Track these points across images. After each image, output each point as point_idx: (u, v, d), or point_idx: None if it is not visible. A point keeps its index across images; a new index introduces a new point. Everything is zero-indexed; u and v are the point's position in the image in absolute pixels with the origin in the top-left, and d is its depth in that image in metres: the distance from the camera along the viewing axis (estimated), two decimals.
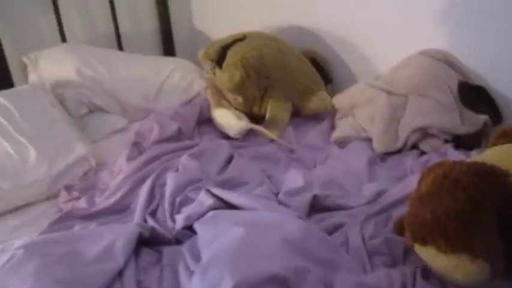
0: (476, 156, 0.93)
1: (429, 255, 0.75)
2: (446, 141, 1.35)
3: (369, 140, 1.40)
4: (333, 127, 1.56)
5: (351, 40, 1.79)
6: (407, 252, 0.87)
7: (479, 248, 0.70)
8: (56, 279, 0.76)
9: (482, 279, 0.71)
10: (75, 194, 1.24)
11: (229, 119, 1.56)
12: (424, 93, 1.40)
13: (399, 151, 1.36)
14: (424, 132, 1.35)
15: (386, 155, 1.35)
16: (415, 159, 1.28)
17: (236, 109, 1.63)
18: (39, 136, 1.37)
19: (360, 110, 1.48)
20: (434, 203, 0.75)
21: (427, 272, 0.80)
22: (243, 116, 1.59)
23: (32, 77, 1.80)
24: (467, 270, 0.70)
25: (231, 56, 1.59)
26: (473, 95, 1.41)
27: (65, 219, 1.11)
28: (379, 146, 1.34)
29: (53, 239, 0.90)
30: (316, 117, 1.63)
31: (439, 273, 0.76)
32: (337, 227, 1.00)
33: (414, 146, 1.37)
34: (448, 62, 1.47)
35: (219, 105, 1.66)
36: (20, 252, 0.83)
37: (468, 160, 0.84)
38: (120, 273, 0.83)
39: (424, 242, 0.75)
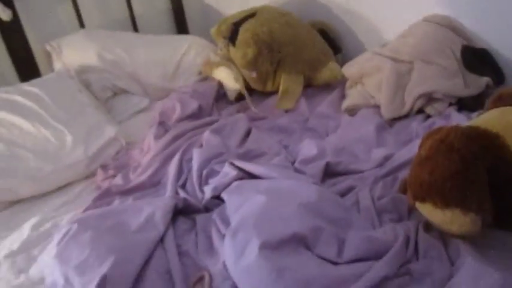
0: (472, 121, 1.01)
1: (428, 211, 0.85)
2: (451, 104, 1.42)
3: (377, 107, 1.48)
4: (343, 96, 1.64)
5: (357, 9, 1.84)
6: (411, 209, 0.98)
7: (471, 203, 0.80)
8: (108, 247, 0.90)
9: (474, 229, 0.82)
10: (111, 172, 1.37)
11: (227, 80, 1.71)
12: (428, 59, 1.47)
13: (406, 116, 1.44)
14: (429, 97, 1.43)
15: (394, 120, 1.44)
16: (420, 123, 1.37)
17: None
18: (73, 121, 1.49)
19: (368, 78, 1.56)
20: (432, 165, 0.85)
21: (428, 226, 0.91)
22: (240, 79, 1.70)
23: (57, 65, 1.92)
24: (460, 222, 0.81)
25: (243, 33, 1.68)
26: (477, 58, 1.47)
27: (105, 195, 1.24)
28: (386, 112, 1.43)
29: (101, 213, 1.04)
30: (328, 87, 1.72)
31: (438, 226, 0.87)
32: (349, 190, 1.11)
33: (420, 110, 1.45)
34: (451, 27, 1.53)
35: (220, 64, 1.77)
36: (75, 226, 0.97)
37: (464, 125, 0.93)
38: (161, 240, 0.96)
39: (423, 200, 0.85)
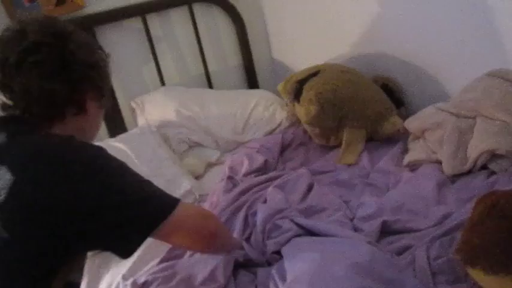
0: None
1: (478, 276, 0.87)
2: None
3: (439, 163, 1.49)
4: (406, 150, 1.67)
5: (421, 64, 1.88)
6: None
7: None
8: None
9: None
10: None
11: None
12: (491, 115, 1.47)
13: (469, 172, 1.44)
14: (493, 153, 1.42)
15: (456, 177, 1.44)
16: (483, 181, 1.36)
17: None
18: (153, 175, 1.65)
19: (430, 133, 1.58)
20: (482, 231, 0.87)
21: None
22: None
23: (141, 120, 2.14)
24: None
25: (307, 91, 1.78)
26: None
27: None
28: (448, 169, 1.44)
29: (170, 266, 1.16)
30: (390, 141, 1.75)
31: None
32: (406, 249, 1.14)
33: (484, 166, 1.44)
34: None
35: None
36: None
37: None
38: None
39: (473, 265, 0.87)
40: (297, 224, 1.20)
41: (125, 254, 0.92)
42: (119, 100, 2.22)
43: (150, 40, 2.22)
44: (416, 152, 1.59)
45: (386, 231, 1.23)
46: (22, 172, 0.84)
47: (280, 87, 2.03)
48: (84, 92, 0.99)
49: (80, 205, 0.84)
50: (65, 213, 0.83)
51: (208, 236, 1.03)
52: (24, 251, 0.82)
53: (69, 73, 0.95)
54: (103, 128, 2.19)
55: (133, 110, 2.22)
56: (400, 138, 1.74)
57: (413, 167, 1.56)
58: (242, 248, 1.21)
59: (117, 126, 2.19)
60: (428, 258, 1.07)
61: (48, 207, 0.82)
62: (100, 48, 1.05)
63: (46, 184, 0.84)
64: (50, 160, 0.86)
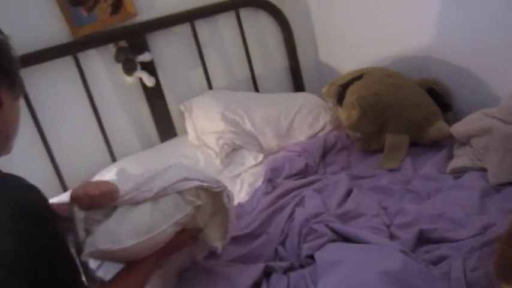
0: None
1: None
2: None
3: (484, 171, 1.45)
4: (450, 156, 1.63)
5: (470, 68, 1.82)
6: None
7: None
8: None
9: None
10: None
11: None
12: None
13: None
14: None
15: (501, 186, 1.39)
16: None
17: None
18: None
19: (476, 139, 1.53)
20: None
21: None
22: None
23: (189, 122, 2.21)
24: None
25: (349, 95, 1.78)
26: None
27: None
28: (493, 178, 1.39)
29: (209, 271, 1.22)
30: (435, 146, 1.71)
31: None
32: (442, 259, 1.12)
33: None
34: None
35: None
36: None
37: None
38: None
39: (507, 281, 0.85)
40: (332, 229, 1.21)
41: None
42: (168, 104, 2.30)
43: (198, 45, 2.29)
44: (461, 158, 1.55)
45: (423, 239, 1.21)
46: None
47: (324, 90, 2.04)
48: None
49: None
50: None
51: None
52: None
53: None
54: (153, 129, 2.28)
55: (182, 113, 2.30)
56: (446, 144, 1.70)
57: (457, 174, 1.52)
58: None
59: (167, 129, 2.28)
60: (464, 269, 1.05)
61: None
62: None
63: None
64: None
